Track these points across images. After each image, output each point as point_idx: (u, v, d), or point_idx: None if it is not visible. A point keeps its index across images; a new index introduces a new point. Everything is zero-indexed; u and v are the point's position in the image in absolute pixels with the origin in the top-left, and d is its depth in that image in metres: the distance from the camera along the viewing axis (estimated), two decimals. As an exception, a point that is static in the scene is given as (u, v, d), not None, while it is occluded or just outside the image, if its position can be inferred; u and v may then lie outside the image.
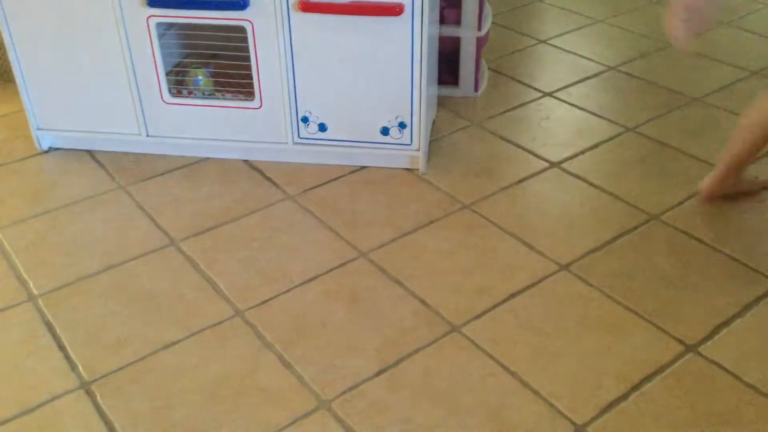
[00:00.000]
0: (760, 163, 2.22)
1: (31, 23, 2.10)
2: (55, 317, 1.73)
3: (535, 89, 2.66)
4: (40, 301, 1.78)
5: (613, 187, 2.14)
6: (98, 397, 1.53)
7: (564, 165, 2.24)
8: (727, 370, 1.57)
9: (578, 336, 1.66)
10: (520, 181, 2.18)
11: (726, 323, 1.69)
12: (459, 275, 1.83)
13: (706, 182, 2.05)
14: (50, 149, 2.34)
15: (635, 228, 1.98)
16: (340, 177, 2.20)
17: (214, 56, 2.33)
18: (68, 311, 1.74)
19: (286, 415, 1.49)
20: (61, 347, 1.65)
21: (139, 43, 2.09)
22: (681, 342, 1.64)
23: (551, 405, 1.50)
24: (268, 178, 2.20)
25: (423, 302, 1.76)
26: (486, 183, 2.16)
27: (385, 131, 2.15)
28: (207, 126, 2.21)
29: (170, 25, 2.26)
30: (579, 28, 3.12)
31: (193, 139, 2.24)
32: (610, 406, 1.50)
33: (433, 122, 2.45)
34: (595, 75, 2.75)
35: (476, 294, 1.77)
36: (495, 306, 1.74)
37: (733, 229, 1.97)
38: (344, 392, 1.53)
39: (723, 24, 3.13)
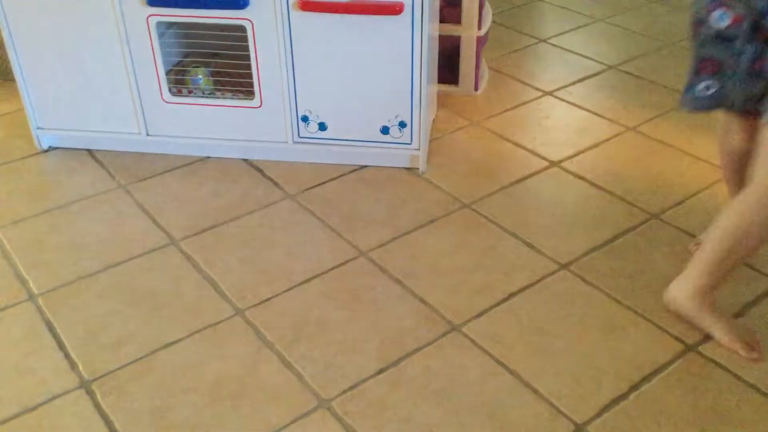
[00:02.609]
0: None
1: (31, 23, 2.09)
2: (55, 316, 1.73)
3: (535, 88, 2.66)
4: (39, 301, 1.78)
5: (613, 186, 2.14)
6: (98, 397, 1.53)
7: (564, 164, 2.24)
8: (727, 370, 1.57)
9: (578, 335, 1.66)
10: (520, 180, 2.18)
11: (726, 322, 1.69)
12: (459, 275, 1.83)
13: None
14: (50, 148, 2.34)
15: (635, 227, 1.98)
16: (340, 176, 2.20)
17: (214, 55, 2.33)
18: (68, 311, 1.74)
19: (286, 415, 1.49)
20: (61, 346, 1.65)
21: (139, 42, 2.09)
22: (681, 341, 1.64)
23: (551, 404, 1.50)
24: (268, 178, 2.20)
25: (423, 301, 1.75)
26: (486, 182, 2.16)
27: (385, 130, 2.15)
28: (207, 125, 2.21)
29: (170, 24, 2.25)
30: (579, 27, 3.12)
31: (193, 138, 2.24)
32: (611, 405, 1.50)
33: (433, 121, 2.45)
34: (595, 74, 2.75)
35: (476, 293, 1.77)
36: (495, 305, 1.74)
37: (733, 228, 1.97)
38: (344, 391, 1.53)
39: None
